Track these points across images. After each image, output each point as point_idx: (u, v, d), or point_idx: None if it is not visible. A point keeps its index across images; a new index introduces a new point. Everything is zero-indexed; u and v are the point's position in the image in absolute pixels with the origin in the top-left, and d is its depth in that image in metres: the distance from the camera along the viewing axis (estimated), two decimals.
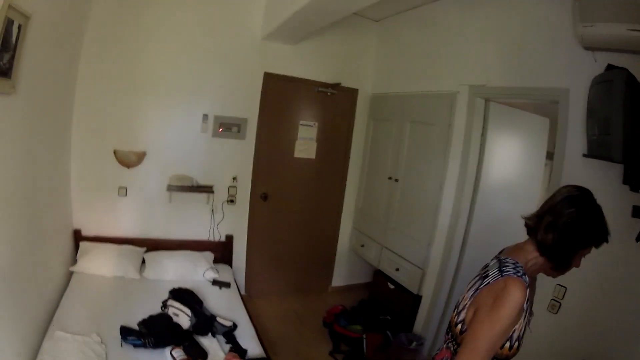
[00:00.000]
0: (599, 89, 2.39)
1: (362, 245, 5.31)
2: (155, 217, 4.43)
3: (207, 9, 4.28)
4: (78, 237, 4.04)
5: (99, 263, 3.81)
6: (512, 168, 4.19)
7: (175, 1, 4.14)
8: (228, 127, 4.57)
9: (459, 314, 1.70)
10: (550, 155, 3.72)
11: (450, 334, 1.78)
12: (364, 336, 4.08)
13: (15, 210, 2.63)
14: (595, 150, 2.47)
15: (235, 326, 3.30)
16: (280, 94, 4.83)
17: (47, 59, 2.98)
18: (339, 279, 5.75)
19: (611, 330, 2.59)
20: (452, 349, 1.75)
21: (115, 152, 4.09)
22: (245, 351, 3.04)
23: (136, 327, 2.93)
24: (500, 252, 1.82)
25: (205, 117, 4.44)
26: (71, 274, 3.73)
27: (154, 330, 2.90)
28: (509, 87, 3.49)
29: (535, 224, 1.63)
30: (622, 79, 2.15)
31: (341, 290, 5.72)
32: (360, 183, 5.52)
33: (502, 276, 1.54)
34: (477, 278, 1.70)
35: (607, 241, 1.56)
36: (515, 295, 1.46)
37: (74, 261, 3.85)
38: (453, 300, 4.07)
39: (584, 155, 2.63)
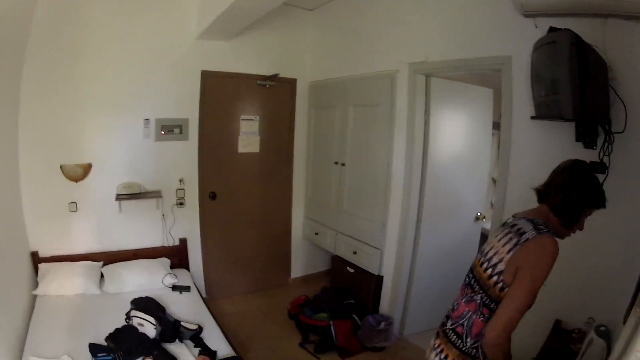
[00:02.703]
0: (542, 52, 2.43)
1: (317, 233, 5.35)
2: (108, 229, 4.30)
3: (141, 15, 4.18)
4: (36, 259, 3.89)
5: (59, 283, 3.70)
6: (460, 141, 4.30)
7: (110, 11, 4.02)
8: (170, 129, 4.49)
9: (494, 266, 1.82)
10: (497, 125, 3.83)
11: (477, 285, 1.91)
12: (332, 323, 4.09)
13: None
14: (544, 110, 2.52)
15: (200, 329, 3.28)
16: (219, 91, 4.77)
17: None
18: (297, 270, 5.79)
19: (583, 290, 2.64)
20: (478, 301, 1.87)
21: (61, 167, 3.96)
22: (214, 352, 3.02)
23: (104, 343, 2.87)
24: (514, 216, 1.99)
25: (146, 121, 4.34)
26: (35, 297, 3.62)
27: (122, 343, 2.84)
28: (449, 60, 3.57)
29: (546, 189, 1.89)
30: (567, 38, 2.20)
31: (302, 280, 5.77)
32: (308, 172, 5.56)
33: (539, 233, 1.73)
34: (511, 234, 1.82)
35: (604, 206, 1.82)
36: (553, 250, 1.69)
37: (36, 284, 3.72)
38: (416, 277, 4.19)
39: (532, 118, 2.70)
